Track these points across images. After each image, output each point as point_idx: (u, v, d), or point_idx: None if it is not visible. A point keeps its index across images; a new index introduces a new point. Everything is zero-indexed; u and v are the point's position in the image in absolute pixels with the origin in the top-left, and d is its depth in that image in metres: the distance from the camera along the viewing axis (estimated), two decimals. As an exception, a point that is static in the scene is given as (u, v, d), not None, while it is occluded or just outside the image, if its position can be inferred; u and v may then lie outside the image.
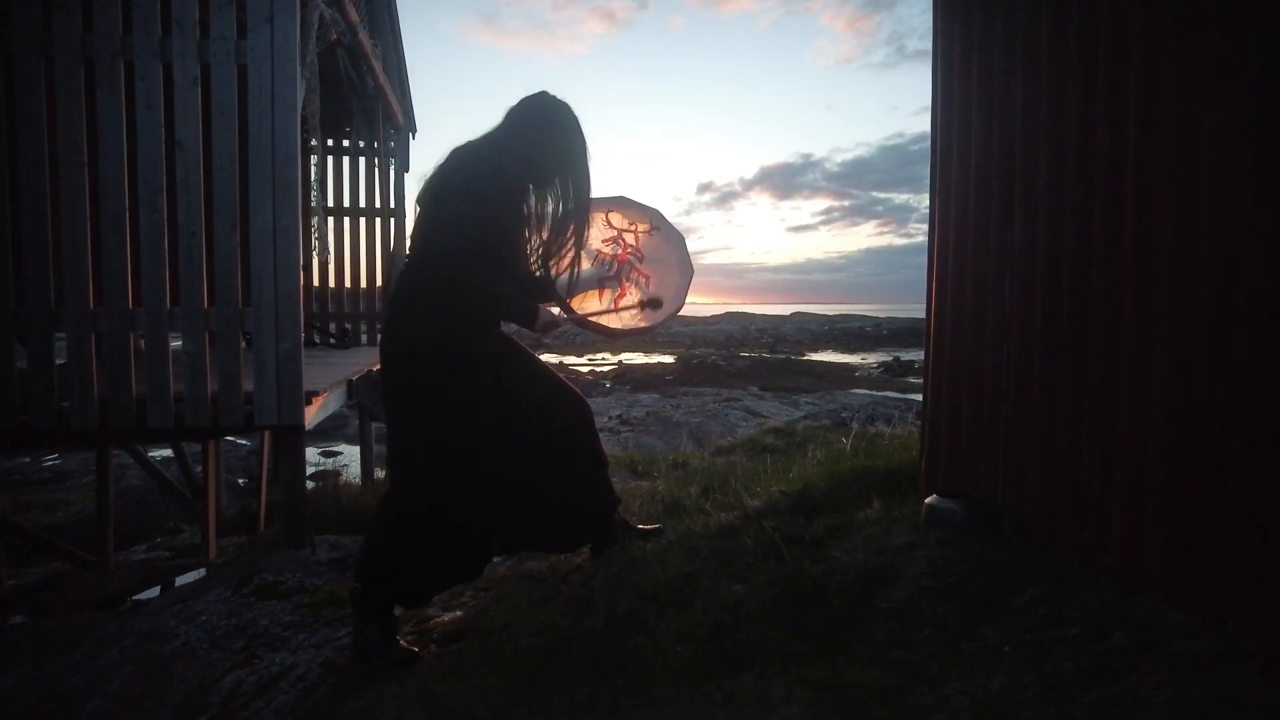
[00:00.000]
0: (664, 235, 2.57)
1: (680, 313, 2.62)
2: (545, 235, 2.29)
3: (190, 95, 3.42)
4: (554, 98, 2.29)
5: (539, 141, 2.23)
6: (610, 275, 2.55)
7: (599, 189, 2.44)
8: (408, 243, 2.32)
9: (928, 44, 2.99)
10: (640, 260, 2.55)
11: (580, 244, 2.35)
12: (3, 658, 3.31)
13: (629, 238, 2.56)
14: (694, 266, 2.56)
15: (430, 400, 2.19)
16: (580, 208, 2.29)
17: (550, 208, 2.30)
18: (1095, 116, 2.04)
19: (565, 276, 2.40)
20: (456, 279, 2.13)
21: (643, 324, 2.55)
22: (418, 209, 2.26)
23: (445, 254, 2.11)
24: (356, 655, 2.26)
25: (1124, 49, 1.94)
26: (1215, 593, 1.66)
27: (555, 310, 2.38)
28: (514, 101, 2.30)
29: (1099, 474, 2.02)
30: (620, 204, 2.56)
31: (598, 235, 2.54)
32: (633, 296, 2.56)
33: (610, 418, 13.56)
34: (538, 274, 2.37)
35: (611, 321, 2.54)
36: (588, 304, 2.55)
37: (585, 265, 2.49)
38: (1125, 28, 1.94)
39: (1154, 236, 1.84)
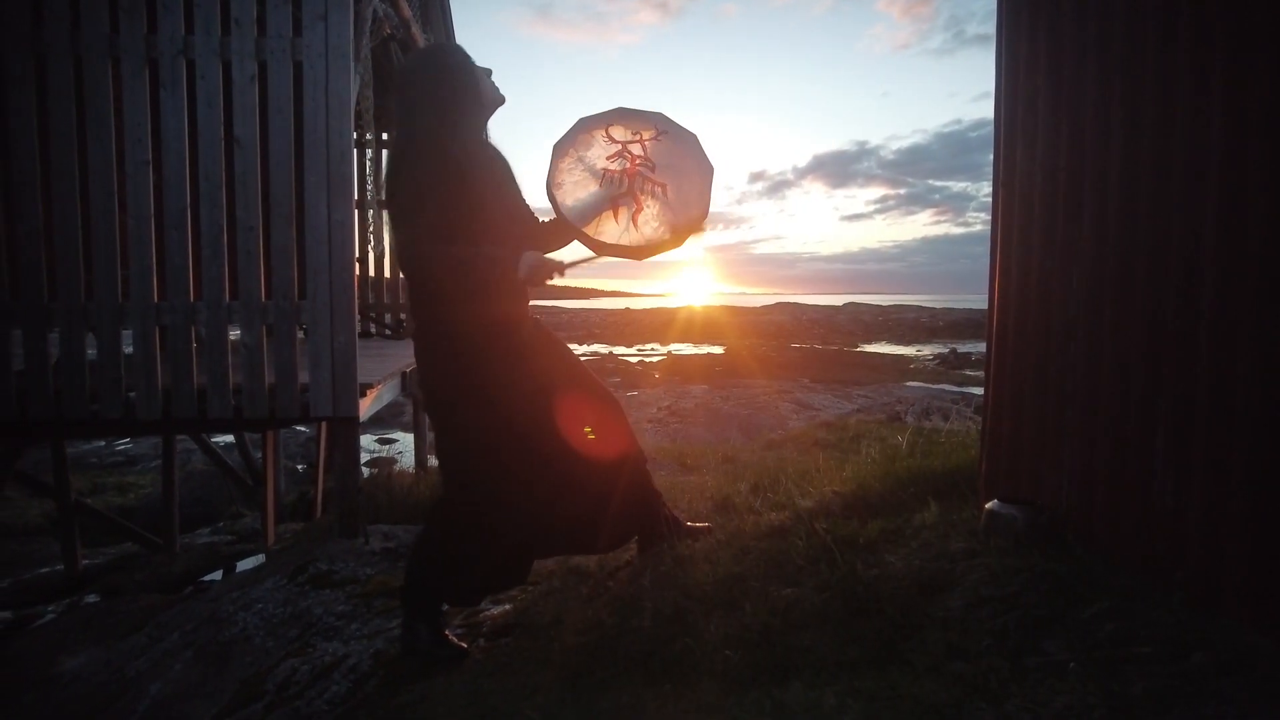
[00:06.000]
0: (673, 138, 2.39)
1: (709, 215, 2.40)
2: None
3: (249, 92, 3.49)
4: (413, 59, 2.33)
5: (432, 101, 2.19)
6: (622, 192, 2.36)
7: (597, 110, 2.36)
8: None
9: (987, 28, 2.88)
10: (652, 170, 2.37)
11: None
12: (76, 637, 3.45)
13: (635, 149, 2.38)
14: (712, 164, 2.38)
15: (464, 402, 2.19)
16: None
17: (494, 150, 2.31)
18: (1175, 104, 1.92)
19: (576, 206, 2.30)
20: (434, 272, 2.12)
21: (668, 236, 2.36)
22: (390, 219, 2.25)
23: (420, 257, 2.11)
24: (405, 650, 2.29)
25: (1207, 31, 1.82)
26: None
27: (558, 256, 2.30)
28: (508, 94, 2.35)
29: (1173, 483, 1.91)
30: (619, 116, 2.39)
31: (601, 153, 2.38)
32: (651, 209, 2.37)
33: (659, 409, 13.54)
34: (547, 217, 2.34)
35: (634, 240, 2.36)
36: (604, 228, 2.36)
37: (593, 187, 2.34)
38: (1208, 9, 1.81)
39: (1241, 229, 1.72)
